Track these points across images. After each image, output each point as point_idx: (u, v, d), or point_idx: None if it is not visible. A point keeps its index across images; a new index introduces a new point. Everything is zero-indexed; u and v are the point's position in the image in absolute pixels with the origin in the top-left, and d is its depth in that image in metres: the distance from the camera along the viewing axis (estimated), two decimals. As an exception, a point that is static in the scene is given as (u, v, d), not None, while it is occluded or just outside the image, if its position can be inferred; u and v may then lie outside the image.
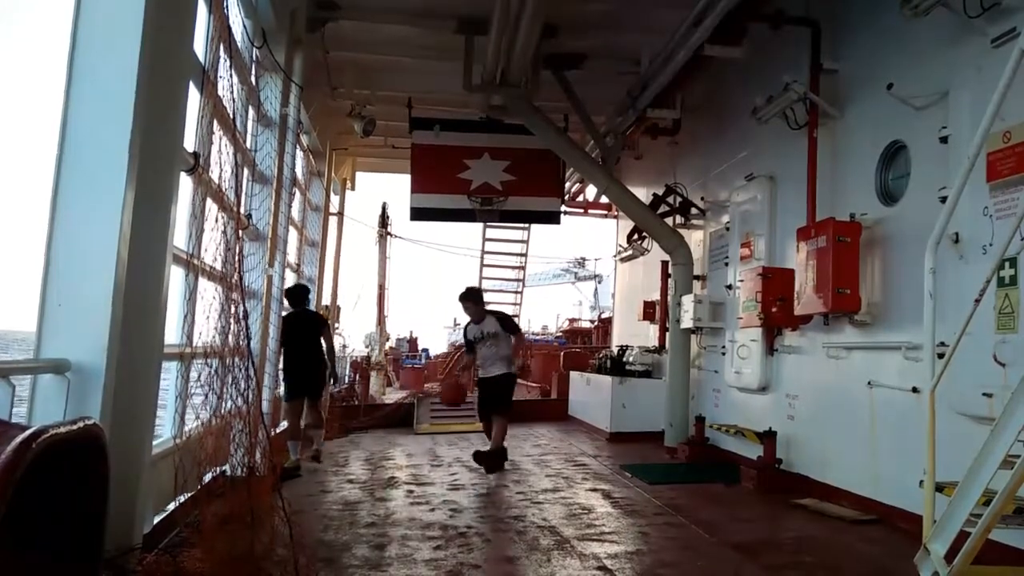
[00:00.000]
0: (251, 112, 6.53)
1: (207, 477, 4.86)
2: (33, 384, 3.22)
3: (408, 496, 6.19)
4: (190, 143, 4.53)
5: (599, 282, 40.77)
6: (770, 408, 7.24)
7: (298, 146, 8.37)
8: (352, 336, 19.87)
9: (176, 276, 4.44)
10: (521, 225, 15.32)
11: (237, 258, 4.73)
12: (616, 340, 13.30)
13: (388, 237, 21.27)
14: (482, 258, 16.71)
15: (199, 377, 4.56)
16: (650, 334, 11.17)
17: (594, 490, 6.57)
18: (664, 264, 9.83)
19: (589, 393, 11.59)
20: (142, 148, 3.45)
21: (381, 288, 21.87)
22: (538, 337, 34.37)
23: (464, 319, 8.19)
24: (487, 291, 18.23)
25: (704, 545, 4.80)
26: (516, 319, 11.59)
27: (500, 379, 7.62)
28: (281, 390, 7.83)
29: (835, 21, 6.51)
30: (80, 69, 3.38)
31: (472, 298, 7.84)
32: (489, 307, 8.74)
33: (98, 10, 3.40)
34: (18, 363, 3.29)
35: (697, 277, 9.17)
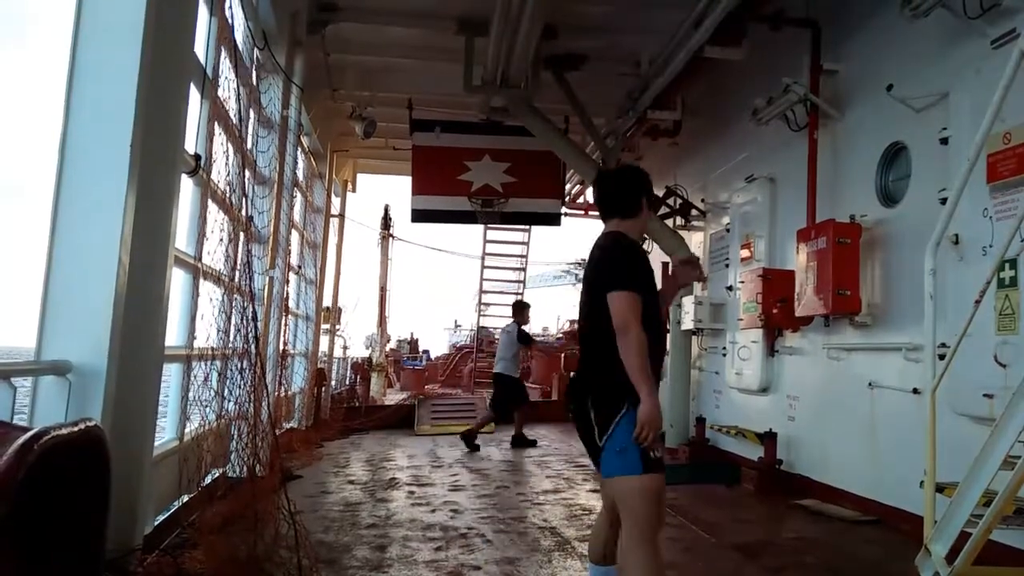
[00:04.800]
0: (252, 114, 6.55)
1: (208, 478, 4.89)
2: (34, 386, 3.22)
3: (409, 497, 6.19)
4: (191, 145, 4.55)
5: (600, 283, 40.64)
6: (771, 409, 7.24)
7: (299, 148, 8.38)
8: (353, 338, 19.86)
9: (178, 277, 4.44)
10: (522, 227, 15.31)
11: (245, 260, 4.75)
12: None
13: (390, 239, 21.26)
14: (483, 260, 16.71)
15: (207, 379, 4.58)
16: (651, 335, 11.14)
17: (595, 491, 6.56)
18: (665, 265, 9.81)
19: (590, 394, 11.56)
20: (143, 150, 3.46)
21: (383, 290, 21.87)
22: (538, 338, 34.35)
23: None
24: (488, 292, 18.29)
25: (705, 546, 4.80)
26: None
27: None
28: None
29: (835, 22, 6.52)
30: (81, 71, 3.38)
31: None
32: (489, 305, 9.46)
33: (99, 12, 3.41)
34: (19, 364, 3.29)
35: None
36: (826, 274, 5.81)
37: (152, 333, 3.90)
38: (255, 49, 6.26)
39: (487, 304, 19.22)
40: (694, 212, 9.49)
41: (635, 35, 8.27)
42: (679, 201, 9.74)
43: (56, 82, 3.70)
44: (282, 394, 8.20)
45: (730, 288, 8.32)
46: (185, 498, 4.63)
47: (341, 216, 13.99)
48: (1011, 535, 3.89)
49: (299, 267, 10.43)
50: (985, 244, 4.43)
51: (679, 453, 8.42)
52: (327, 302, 13.20)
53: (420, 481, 6.92)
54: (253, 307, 4.51)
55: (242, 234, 5.02)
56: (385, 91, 10.03)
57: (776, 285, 6.75)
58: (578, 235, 31.68)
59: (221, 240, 4.77)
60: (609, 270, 2.91)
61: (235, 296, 4.85)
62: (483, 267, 16.89)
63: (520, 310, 10.78)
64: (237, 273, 4.75)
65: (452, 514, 5.53)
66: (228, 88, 4.98)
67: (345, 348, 17.63)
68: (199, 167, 4.53)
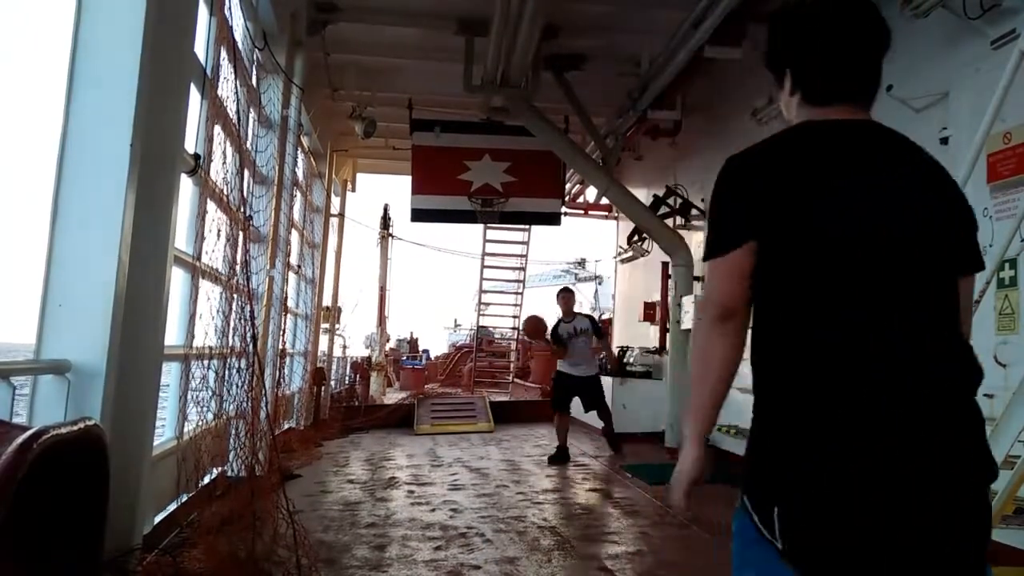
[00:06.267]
0: (252, 114, 6.55)
1: (208, 477, 4.89)
2: (33, 385, 3.22)
3: (409, 496, 6.19)
4: (191, 144, 4.55)
5: (599, 283, 40.72)
6: (770, 409, 7.23)
7: (299, 147, 8.39)
8: (352, 337, 19.83)
9: (177, 277, 4.44)
10: (521, 226, 15.32)
11: (244, 260, 4.75)
12: (616, 341, 13.29)
13: (390, 239, 21.25)
14: (483, 259, 16.72)
15: (204, 378, 4.58)
16: (650, 335, 11.15)
17: (594, 490, 6.57)
18: (664, 265, 9.83)
19: (590, 394, 11.57)
20: (143, 149, 3.46)
21: (382, 289, 21.86)
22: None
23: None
24: (488, 292, 18.30)
25: (704, 545, 4.80)
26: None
27: (593, 380, 8.44)
28: None
29: (835, 22, 6.51)
30: (81, 70, 3.38)
31: (569, 296, 8.84)
32: (488, 304, 9.12)
33: (99, 12, 3.41)
34: (18, 364, 3.29)
35: (697, 278, 9.15)
36: (826, 274, 5.81)
37: (151, 332, 3.90)
38: (255, 49, 6.26)
39: (487, 304, 19.22)
40: (694, 212, 9.49)
41: (635, 35, 8.27)
42: (679, 201, 9.75)
43: (56, 82, 3.70)
44: (281, 393, 8.20)
45: (730, 288, 8.29)
46: (184, 497, 4.63)
47: (341, 216, 13.99)
48: (1011, 535, 3.89)
49: (298, 266, 10.44)
50: (985, 244, 4.43)
51: (679, 452, 8.41)
52: (326, 301, 13.20)
53: (420, 480, 6.92)
54: (252, 306, 4.51)
55: (241, 233, 5.02)
56: (385, 91, 10.04)
57: (776, 285, 6.73)
58: (578, 235, 31.66)
59: (220, 237, 4.78)
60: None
61: (234, 295, 4.85)
62: (483, 267, 16.89)
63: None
64: (236, 272, 4.76)
65: (452, 513, 5.53)
66: (228, 88, 4.98)
67: (344, 347, 17.62)
68: (199, 167, 4.53)
